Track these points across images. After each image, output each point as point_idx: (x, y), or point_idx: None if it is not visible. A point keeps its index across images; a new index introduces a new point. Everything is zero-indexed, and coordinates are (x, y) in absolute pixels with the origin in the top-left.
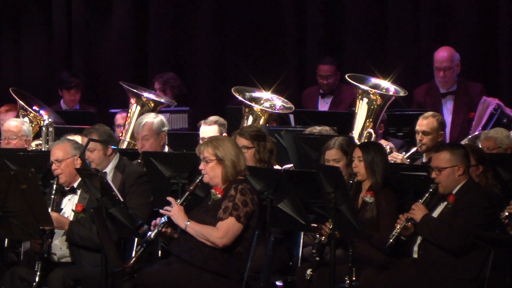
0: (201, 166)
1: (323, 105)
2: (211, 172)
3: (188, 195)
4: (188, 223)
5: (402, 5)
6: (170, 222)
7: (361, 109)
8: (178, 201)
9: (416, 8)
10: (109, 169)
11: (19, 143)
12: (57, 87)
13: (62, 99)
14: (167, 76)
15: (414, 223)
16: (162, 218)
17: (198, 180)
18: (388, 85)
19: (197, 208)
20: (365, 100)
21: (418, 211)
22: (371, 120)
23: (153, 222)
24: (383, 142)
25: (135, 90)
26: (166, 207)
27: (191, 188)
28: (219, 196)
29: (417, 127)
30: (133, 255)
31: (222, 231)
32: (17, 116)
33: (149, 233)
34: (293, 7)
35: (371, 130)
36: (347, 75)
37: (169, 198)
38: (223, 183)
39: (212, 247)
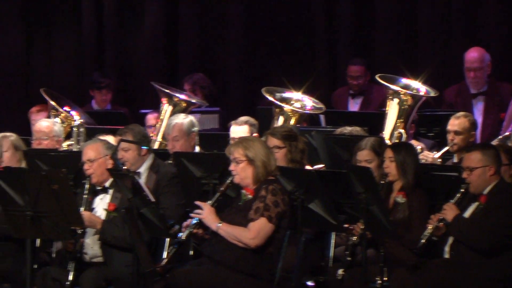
0: (232, 167)
1: (353, 106)
2: (242, 172)
3: (219, 196)
4: (220, 224)
5: (433, 5)
6: (201, 223)
7: (392, 109)
8: (209, 202)
9: (447, 8)
10: (143, 169)
11: (51, 143)
12: (88, 87)
13: (93, 99)
14: (196, 76)
15: (446, 224)
16: (194, 219)
17: (228, 181)
18: (418, 86)
19: (228, 209)
20: (396, 100)
21: (449, 211)
22: (401, 120)
23: (184, 223)
24: (414, 142)
25: (166, 91)
26: (197, 210)
27: (222, 189)
28: (250, 196)
29: (449, 127)
30: (165, 255)
31: (254, 232)
32: (48, 117)
33: (181, 234)
34: (323, 7)
35: (402, 131)
36: (377, 75)
37: (198, 203)
38: (253, 184)
39: (243, 248)
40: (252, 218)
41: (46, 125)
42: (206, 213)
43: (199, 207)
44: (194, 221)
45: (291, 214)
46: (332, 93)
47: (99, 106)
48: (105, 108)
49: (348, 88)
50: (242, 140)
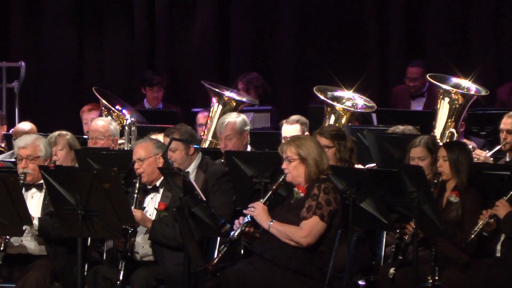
0: (284, 165)
1: (415, 107)
2: (294, 171)
3: (271, 195)
4: (272, 223)
5: (484, 4)
6: (253, 222)
7: (443, 108)
8: (261, 200)
9: (499, 6)
10: (191, 169)
11: (107, 143)
12: (140, 85)
13: (145, 98)
14: (250, 76)
15: (497, 220)
16: (245, 218)
17: (281, 180)
18: (469, 85)
19: (279, 206)
20: (447, 99)
21: (502, 207)
22: (452, 119)
23: (236, 222)
24: (465, 141)
25: (216, 89)
26: (250, 207)
27: (274, 187)
28: (302, 195)
29: (502, 126)
30: (216, 254)
31: (306, 230)
32: (100, 115)
33: (232, 232)
34: (375, 6)
35: (453, 130)
36: (428, 75)
37: (251, 204)
38: (305, 182)
39: (295, 246)
40: (305, 217)
41: (102, 125)
42: (258, 211)
43: (254, 205)
44: (246, 220)
45: (342, 213)
46: (392, 90)
47: (150, 104)
48: (157, 106)
49: (407, 88)
50: (294, 139)
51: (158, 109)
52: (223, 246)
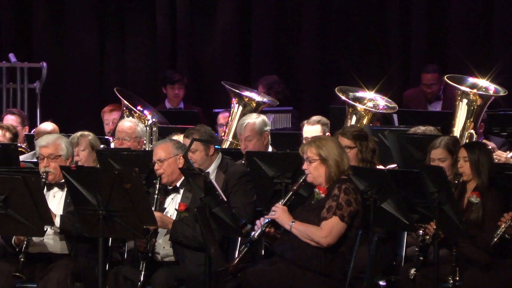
0: (305, 166)
1: (433, 110)
2: (315, 171)
3: (292, 195)
4: (293, 223)
5: (505, 3)
6: (274, 222)
7: (461, 110)
8: (281, 201)
9: None
10: (211, 169)
11: (133, 144)
12: (161, 85)
13: (166, 98)
14: (271, 80)
15: None
16: (266, 218)
17: (301, 180)
18: (487, 84)
19: (300, 207)
20: (465, 101)
21: None
22: (471, 120)
23: (257, 222)
24: (484, 141)
25: (237, 90)
26: (272, 209)
27: (295, 188)
28: (323, 195)
29: None
30: (237, 254)
31: (326, 230)
32: (121, 116)
33: (253, 233)
34: (398, 7)
35: (472, 131)
36: (446, 76)
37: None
38: (326, 183)
39: (315, 246)
40: (325, 217)
41: (129, 126)
42: (279, 212)
43: (274, 208)
44: (267, 220)
45: (363, 213)
46: (403, 94)
47: (171, 104)
48: (178, 106)
49: (422, 92)
50: (315, 139)
51: (179, 109)
52: (243, 246)
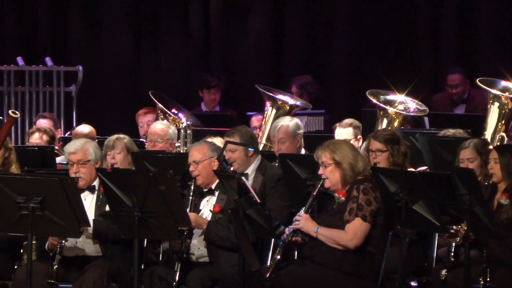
0: (321, 171)
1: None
2: (331, 176)
3: (312, 202)
4: (318, 229)
5: None
6: (299, 230)
7: (493, 113)
8: (303, 209)
9: None
10: (250, 171)
11: (165, 146)
12: (198, 88)
13: (202, 102)
14: (304, 80)
15: None
16: (290, 228)
17: (319, 185)
18: None
19: (323, 212)
20: (497, 104)
21: None
22: (503, 123)
23: (286, 229)
24: None
25: (270, 94)
26: (295, 219)
27: (314, 194)
28: (343, 198)
29: None
30: (270, 256)
31: (351, 233)
32: (156, 119)
33: (283, 237)
34: (428, 11)
35: (503, 134)
36: (478, 79)
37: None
38: (343, 186)
39: (344, 249)
40: (347, 220)
41: (161, 128)
42: (303, 221)
43: (297, 217)
44: (291, 230)
45: (394, 215)
46: (431, 98)
47: (207, 107)
48: (214, 109)
49: (449, 95)
50: (328, 144)
51: (215, 112)
52: (277, 250)
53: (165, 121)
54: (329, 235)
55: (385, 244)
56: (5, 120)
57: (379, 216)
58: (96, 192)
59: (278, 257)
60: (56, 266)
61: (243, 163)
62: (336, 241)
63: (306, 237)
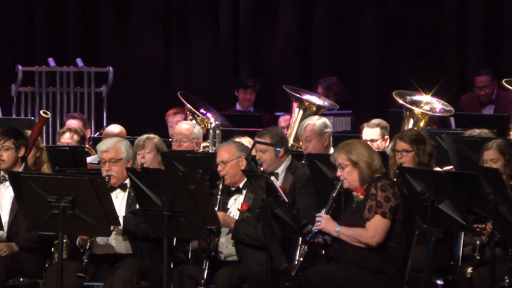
0: (338, 173)
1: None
2: (349, 176)
3: (332, 203)
4: (339, 229)
5: None
6: (320, 231)
7: None
8: (324, 210)
9: None
10: (280, 170)
11: (190, 145)
12: (234, 87)
13: (237, 102)
14: (330, 81)
15: None
16: (313, 229)
17: (338, 187)
18: None
19: (343, 212)
20: None
21: None
22: None
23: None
24: None
25: (297, 95)
26: (316, 220)
27: (334, 195)
28: (362, 197)
29: None
30: (297, 254)
31: (372, 230)
32: (185, 119)
33: (308, 237)
34: (455, 12)
35: None
36: (504, 80)
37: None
38: (361, 185)
39: (366, 247)
40: (367, 218)
41: (186, 128)
42: (324, 222)
43: (318, 218)
44: (314, 231)
45: (421, 214)
46: (459, 98)
47: (242, 107)
48: (248, 109)
49: (477, 95)
50: (343, 145)
51: (244, 112)
52: (303, 248)
53: (193, 121)
54: (351, 234)
55: (408, 240)
56: (37, 120)
57: (398, 211)
58: (127, 190)
59: (301, 259)
60: (86, 260)
61: (272, 163)
62: (357, 239)
63: (328, 238)
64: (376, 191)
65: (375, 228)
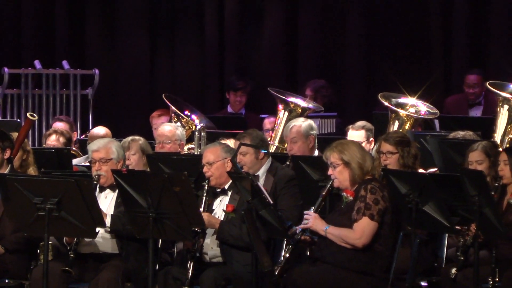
0: (330, 171)
1: (473, 115)
2: (340, 176)
3: (322, 201)
4: (327, 228)
5: None
6: (308, 229)
7: (502, 115)
8: (313, 208)
9: None
10: (261, 172)
11: (173, 147)
12: (225, 90)
13: (229, 104)
14: (319, 84)
15: None
16: (299, 227)
17: (329, 186)
18: None
19: (332, 212)
20: (506, 107)
21: None
22: None
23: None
24: None
25: (282, 97)
26: (304, 218)
27: (324, 194)
28: (351, 198)
29: None
30: (282, 256)
31: (359, 231)
32: (170, 121)
33: (291, 240)
34: (440, 15)
35: None
36: (488, 82)
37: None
38: (352, 186)
39: (352, 248)
40: (355, 219)
41: (169, 129)
42: (312, 220)
43: (307, 216)
44: (300, 229)
45: (394, 211)
46: (445, 100)
47: (233, 109)
48: (240, 111)
49: (464, 97)
50: (337, 145)
51: (238, 114)
52: (288, 247)
53: (177, 123)
54: (338, 234)
55: (394, 242)
56: (24, 123)
57: (386, 214)
58: (117, 190)
59: (287, 255)
60: (72, 256)
61: (253, 165)
62: (344, 239)
63: (315, 236)
64: (365, 193)
65: (362, 230)
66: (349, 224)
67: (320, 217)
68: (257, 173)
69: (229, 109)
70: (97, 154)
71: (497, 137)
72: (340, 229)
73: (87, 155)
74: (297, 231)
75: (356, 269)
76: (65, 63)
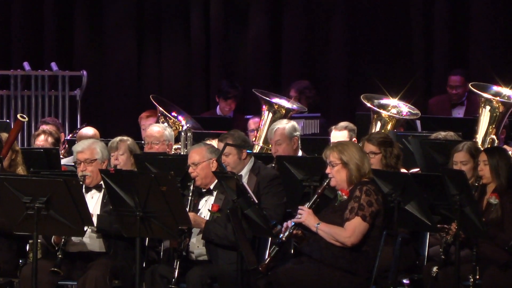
0: (328, 170)
1: (455, 116)
2: (337, 175)
3: (317, 198)
4: (319, 225)
5: None
6: (300, 224)
7: (484, 116)
8: (307, 204)
9: None
10: (244, 172)
11: (162, 147)
12: (216, 94)
13: (218, 106)
14: (303, 85)
15: None
16: (292, 221)
17: (325, 184)
18: (510, 93)
19: (325, 209)
20: (488, 107)
21: None
22: (493, 126)
23: (284, 224)
24: (505, 147)
25: (267, 98)
26: (298, 212)
27: (319, 191)
28: (345, 197)
29: None
30: (267, 255)
31: (350, 230)
32: (157, 122)
33: (281, 235)
34: (421, 17)
35: (494, 137)
36: (470, 84)
37: (299, 207)
38: (348, 186)
39: (341, 246)
40: (348, 218)
41: (157, 130)
42: (305, 215)
43: (300, 211)
44: (293, 223)
45: (387, 215)
46: (428, 101)
47: (222, 112)
48: (228, 115)
49: (447, 98)
50: (337, 144)
51: (213, 116)
52: (273, 247)
53: (165, 124)
54: (328, 231)
55: (377, 242)
56: (14, 124)
57: (378, 217)
58: (102, 190)
59: (273, 253)
60: (60, 256)
61: (236, 165)
62: (334, 237)
63: (306, 231)
64: (360, 194)
65: (353, 229)
66: (340, 223)
67: (313, 214)
68: (240, 173)
69: (218, 112)
70: (81, 155)
71: (479, 138)
72: (331, 227)
73: None
74: (288, 225)
75: (341, 267)
76: (53, 65)
